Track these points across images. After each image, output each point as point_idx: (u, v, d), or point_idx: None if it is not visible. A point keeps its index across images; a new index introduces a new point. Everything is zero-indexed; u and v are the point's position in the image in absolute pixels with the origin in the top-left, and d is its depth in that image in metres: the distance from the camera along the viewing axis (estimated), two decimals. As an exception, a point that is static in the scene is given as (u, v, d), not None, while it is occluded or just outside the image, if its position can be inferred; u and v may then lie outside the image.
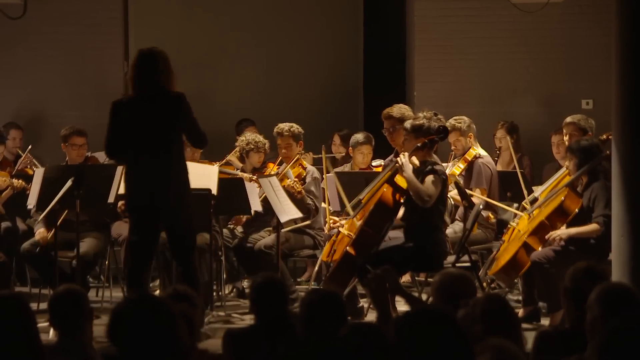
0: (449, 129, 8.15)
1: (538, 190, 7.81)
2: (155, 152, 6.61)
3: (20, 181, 8.13)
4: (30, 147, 9.15)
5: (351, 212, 7.35)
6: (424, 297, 7.37)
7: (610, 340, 2.86)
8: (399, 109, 7.77)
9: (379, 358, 3.16)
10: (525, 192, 7.89)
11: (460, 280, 4.34)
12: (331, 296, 4.35)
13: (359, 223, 7.11)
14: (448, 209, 7.86)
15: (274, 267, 7.60)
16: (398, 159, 6.98)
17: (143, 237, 6.73)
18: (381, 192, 7.02)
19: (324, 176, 8.17)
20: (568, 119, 8.02)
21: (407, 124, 7.08)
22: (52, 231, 7.78)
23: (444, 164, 7.70)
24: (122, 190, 7.34)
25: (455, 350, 2.97)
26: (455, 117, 8.33)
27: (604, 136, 7.76)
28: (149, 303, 3.10)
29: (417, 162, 7.01)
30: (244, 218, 8.35)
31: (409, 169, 6.88)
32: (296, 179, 8.19)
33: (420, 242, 6.96)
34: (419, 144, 6.96)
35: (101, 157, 9.28)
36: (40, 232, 8.03)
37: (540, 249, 7.20)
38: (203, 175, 7.64)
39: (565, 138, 8.00)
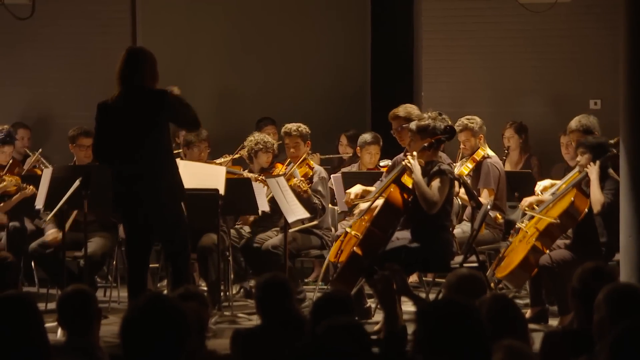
0: (461, 128, 8.16)
1: (547, 192, 7.78)
2: (136, 152, 6.58)
3: (30, 187, 8.13)
4: (40, 150, 9.15)
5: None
6: (431, 297, 7.35)
7: (621, 341, 2.86)
8: (405, 109, 7.78)
9: (358, 356, 3.15)
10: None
11: (471, 280, 4.34)
12: (339, 298, 4.35)
13: (366, 223, 7.11)
14: (455, 209, 7.86)
15: (281, 267, 7.60)
16: (406, 160, 6.97)
17: (133, 238, 6.78)
18: (388, 192, 7.02)
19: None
20: (572, 125, 7.97)
21: (412, 125, 7.07)
22: (64, 230, 7.79)
23: (453, 164, 7.69)
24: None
25: (474, 343, 2.99)
26: (467, 117, 8.29)
27: (614, 140, 7.73)
28: (160, 304, 3.11)
29: (422, 162, 7.00)
30: (251, 217, 8.36)
31: (417, 170, 6.88)
32: (302, 179, 8.19)
33: (427, 242, 6.95)
34: (425, 144, 6.95)
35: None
36: (51, 232, 8.04)
37: (548, 251, 7.19)
38: (211, 176, 7.66)
39: (573, 144, 8.00)
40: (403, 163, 6.99)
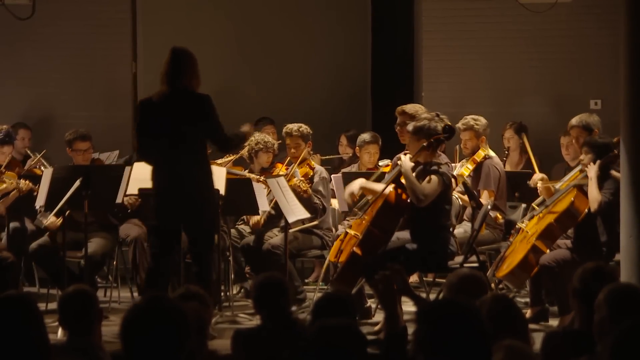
0: (465, 127, 8.15)
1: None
2: (176, 151, 6.71)
3: (27, 182, 8.12)
4: (45, 151, 9.10)
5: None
6: (432, 297, 7.35)
7: (623, 341, 2.86)
8: (412, 106, 7.81)
9: (352, 356, 3.14)
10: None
11: (472, 280, 4.34)
12: (340, 298, 4.35)
13: (365, 223, 7.11)
14: (456, 210, 7.86)
15: (281, 267, 7.61)
16: (400, 160, 6.99)
17: (162, 238, 6.83)
18: (388, 192, 7.02)
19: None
20: (573, 122, 8.02)
21: (409, 127, 7.09)
22: (61, 218, 7.79)
23: (452, 164, 7.70)
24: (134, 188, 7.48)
25: (475, 343, 2.99)
26: (473, 117, 8.27)
27: (614, 139, 7.74)
28: (160, 304, 3.11)
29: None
30: (261, 222, 8.30)
31: (407, 165, 6.89)
32: (302, 179, 8.19)
33: (426, 243, 6.96)
34: (424, 144, 6.96)
35: (108, 158, 9.31)
36: (50, 218, 8.00)
37: (548, 251, 7.19)
38: (211, 176, 7.66)
39: (573, 141, 8.02)
40: (397, 162, 7.02)
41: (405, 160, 6.93)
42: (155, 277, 6.72)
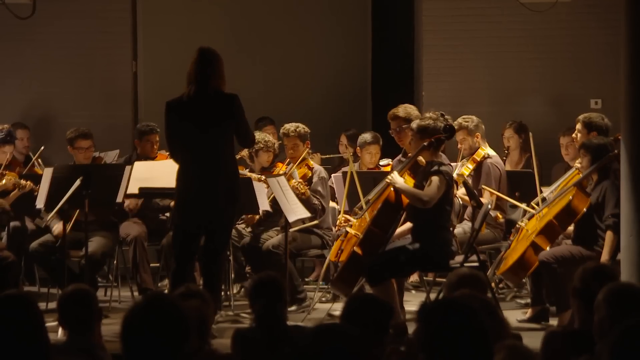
0: (457, 127, 8.16)
1: (547, 190, 7.81)
2: (206, 151, 6.70)
3: (28, 182, 8.12)
4: (42, 147, 9.09)
5: (364, 206, 7.32)
6: (432, 297, 7.35)
7: (623, 340, 2.86)
8: (404, 109, 7.78)
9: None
10: (538, 191, 7.89)
11: (472, 279, 4.34)
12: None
13: (366, 223, 7.11)
14: (456, 209, 7.85)
15: (282, 267, 7.60)
16: (387, 177, 6.97)
17: (185, 239, 6.82)
18: (388, 191, 7.02)
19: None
20: (580, 116, 8.05)
21: (414, 125, 7.07)
22: (70, 224, 7.83)
23: (452, 164, 7.69)
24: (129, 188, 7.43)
25: (476, 343, 2.99)
26: (463, 116, 8.31)
27: (613, 137, 7.75)
28: (160, 303, 3.11)
29: (423, 161, 7.01)
30: (256, 218, 8.34)
31: (399, 180, 6.89)
32: (301, 180, 8.19)
33: (426, 242, 6.95)
34: (425, 143, 6.95)
35: (108, 157, 9.31)
36: (57, 227, 8.02)
37: (548, 248, 7.19)
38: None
39: (573, 135, 8.06)
40: (386, 181, 6.99)
41: (395, 176, 6.92)
42: (181, 279, 6.68)
